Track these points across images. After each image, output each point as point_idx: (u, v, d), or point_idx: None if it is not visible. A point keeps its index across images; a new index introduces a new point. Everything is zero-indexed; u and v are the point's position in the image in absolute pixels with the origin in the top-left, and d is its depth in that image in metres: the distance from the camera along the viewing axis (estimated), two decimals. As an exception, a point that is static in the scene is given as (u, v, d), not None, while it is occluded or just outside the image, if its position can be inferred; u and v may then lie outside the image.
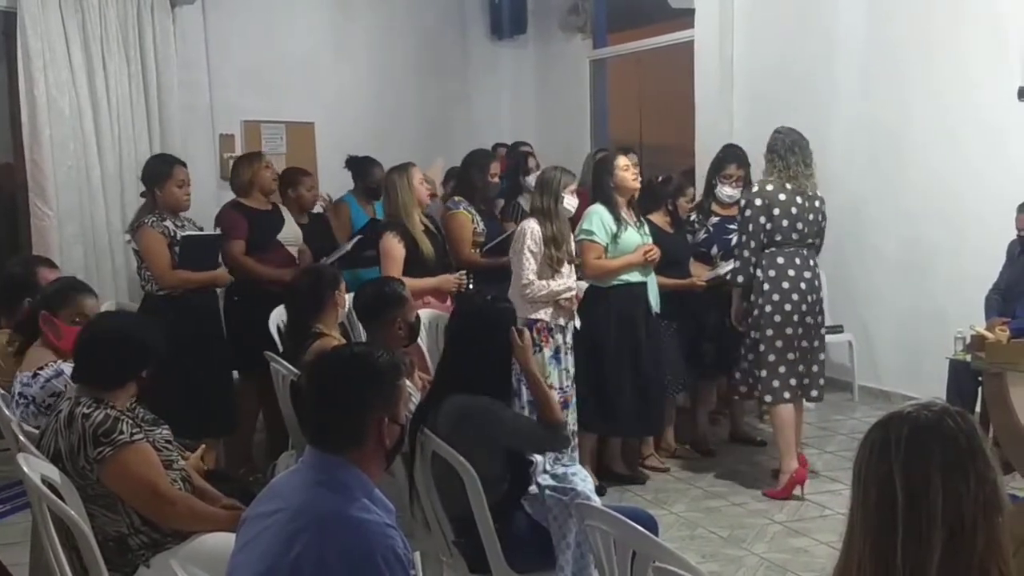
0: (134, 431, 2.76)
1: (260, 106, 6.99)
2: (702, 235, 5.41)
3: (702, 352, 5.37)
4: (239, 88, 6.91)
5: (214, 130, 6.92)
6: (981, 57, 5.56)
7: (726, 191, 5.32)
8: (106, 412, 2.75)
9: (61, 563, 2.54)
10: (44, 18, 5.98)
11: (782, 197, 4.63)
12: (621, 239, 4.75)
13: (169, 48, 6.51)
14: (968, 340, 4.39)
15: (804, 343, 4.70)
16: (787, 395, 4.70)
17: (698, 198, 5.61)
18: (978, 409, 4.61)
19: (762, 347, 4.68)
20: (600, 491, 4.48)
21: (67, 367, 3.25)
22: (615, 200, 4.78)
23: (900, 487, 1.43)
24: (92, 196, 6.17)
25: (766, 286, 4.67)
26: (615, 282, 4.77)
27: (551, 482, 3.10)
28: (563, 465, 3.19)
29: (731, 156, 5.39)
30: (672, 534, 4.25)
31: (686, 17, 7.00)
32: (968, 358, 4.35)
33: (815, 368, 4.76)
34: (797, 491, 4.71)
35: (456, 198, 5.38)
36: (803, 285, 4.68)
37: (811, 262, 4.74)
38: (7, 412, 3.16)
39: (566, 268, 4.57)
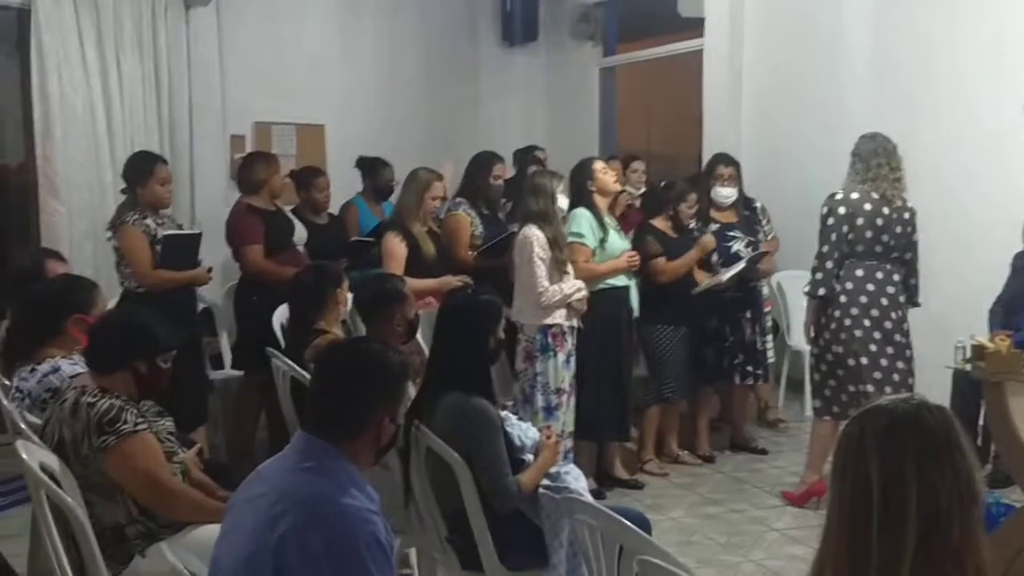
0: (138, 421, 2.79)
1: (271, 108, 7.01)
2: (702, 241, 5.43)
3: (702, 358, 5.38)
4: (251, 89, 6.92)
5: (225, 131, 6.93)
6: (988, 69, 5.55)
7: (721, 192, 5.41)
8: (111, 401, 2.78)
9: (59, 552, 2.56)
10: (58, 16, 6.02)
11: (867, 207, 4.43)
12: (607, 243, 4.77)
13: (182, 49, 6.54)
14: (968, 350, 4.37)
15: (899, 363, 4.48)
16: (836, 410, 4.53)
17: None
18: (982, 421, 4.59)
19: (851, 362, 4.46)
20: (599, 495, 4.48)
21: (64, 363, 3.28)
22: (596, 204, 4.79)
23: (875, 478, 1.44)
24: (103, 194, 6.19)
25: (843, 299, 4.46)
26: (601, 286, 4.76)
27: (545, 481, 3.09)
28: (557, 464, 3.19)
29: (719, 157, 5.53)
30: (669, 539, 4.23)
31: (696, 27, 7.01)
32: (968, 368, 4.33)
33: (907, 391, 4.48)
34: (813, 503, 4.65)
35: (457, 199, 5.39)
36: (884, 301, 4.45)
37: (894, 277, 4.50)
38: (6, 402, 3.18)
39: (570, 268, 4.59)
